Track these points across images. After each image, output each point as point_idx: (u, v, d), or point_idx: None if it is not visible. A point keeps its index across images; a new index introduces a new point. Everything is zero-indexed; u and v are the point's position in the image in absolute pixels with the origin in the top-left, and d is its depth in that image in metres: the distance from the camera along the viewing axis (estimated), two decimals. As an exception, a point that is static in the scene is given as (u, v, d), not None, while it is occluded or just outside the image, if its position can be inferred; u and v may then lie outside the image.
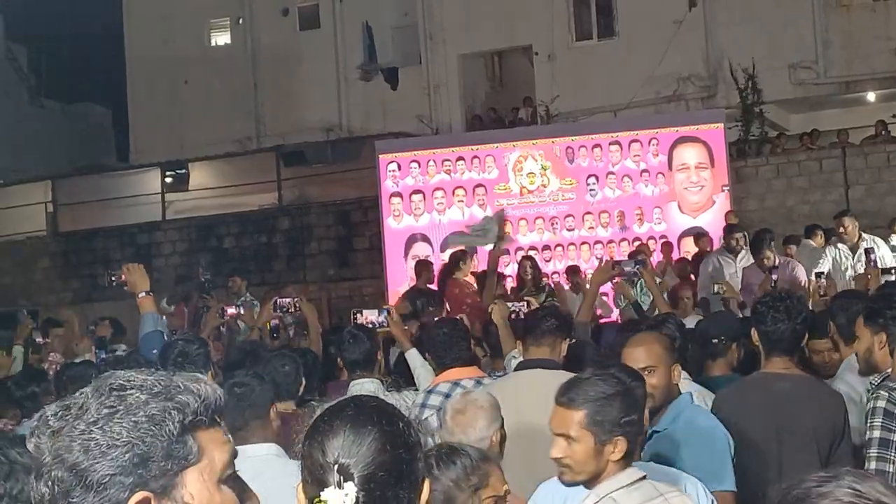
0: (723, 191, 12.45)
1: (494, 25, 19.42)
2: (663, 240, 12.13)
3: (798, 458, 3.70)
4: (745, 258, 9.30)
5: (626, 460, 2.80)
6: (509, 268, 11.18)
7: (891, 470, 3.29)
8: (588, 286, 7.21)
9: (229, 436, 1.50)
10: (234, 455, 1.49)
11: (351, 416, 1.72)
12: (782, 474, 3.64)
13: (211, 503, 1.42)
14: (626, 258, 8.79)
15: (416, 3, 20.29)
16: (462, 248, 11.29)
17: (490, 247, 9.27)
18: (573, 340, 4.51)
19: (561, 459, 2.81)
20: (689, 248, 11.65)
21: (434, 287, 9.79)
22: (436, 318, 6.51)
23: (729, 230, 9.88)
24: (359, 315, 5.99)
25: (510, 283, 10.41)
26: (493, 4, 19.27)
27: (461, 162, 12.84)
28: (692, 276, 9.86)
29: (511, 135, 14.28)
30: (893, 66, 17.34)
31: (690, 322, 5.79)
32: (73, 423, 1.37)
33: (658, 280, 7.62)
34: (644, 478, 2.77)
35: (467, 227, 10.74)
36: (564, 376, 3.95)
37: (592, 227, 12.59)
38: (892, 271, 7.36)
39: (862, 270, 8.16)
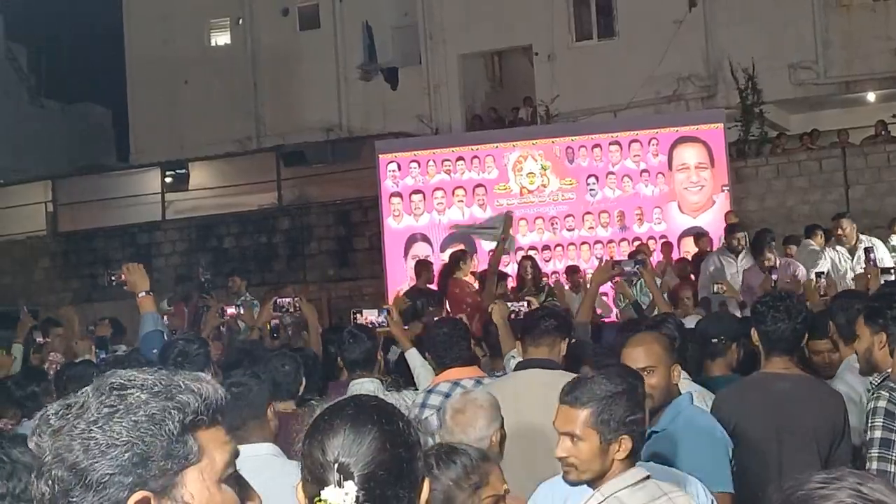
0: (723, 191, 12.45)
1: (494, 25, 19.42)
2: (663, 240, 12.13)
3: (798, 458, 3.70)
4: (745, 259, 9.30)
5: (631, 459, 2.80)
6: (509, 268, 11.17)
7: (892, 470, 3.28)
8: (588, 286, 7.21)
9: (230, 435, 1.50)
10: (236, 455, 1.49)
11: (351, 416, 1.72)
12: (782, 474, 3.64)
13: (211, 503, 1.42)
14: (626, 258, 8.79)
15: (416, 3, 20.29)
16: (462, 247, 11.33)
17: (492, 245, 9.29)
18: (573, 340, 4.51)
19: (566, 458, 2.81)
20: (689, 248, 11.65)
21: (434, 287, 9.80)
22: (436, 318, 6.52)
23: (730, 230, 9.87)
24: (359, 315, 6.00)
25: (510, 283, 10.40)
26: (493, 4, 19.27)
27: (461, 162, 12.84)
28: (692, 276, 9.86)
29: (511, 135, 14.28)
30: (893, 66, 17.35)
31: (691, 322, 5.78)
32: (73, 422, 1.37)
33: (658, 280, 7.62)
34: (648, 477, 2.78)
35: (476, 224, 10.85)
36: (563, 376, 3.96)
37: (592, 227, 12.59)
38: (892, 271, 7.36)
39: (861, 272, 8.16)
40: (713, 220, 12.08)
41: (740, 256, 9.36)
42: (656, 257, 11.04)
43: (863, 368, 3.79)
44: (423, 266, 10.56)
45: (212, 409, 1.45)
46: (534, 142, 13.04)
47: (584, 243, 12.57)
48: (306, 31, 21.73)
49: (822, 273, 7.94)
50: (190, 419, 1.41)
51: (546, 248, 12.55)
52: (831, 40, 17.94)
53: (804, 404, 3.80)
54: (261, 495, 1.55)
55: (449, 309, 9.18)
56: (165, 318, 7.44)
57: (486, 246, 12.13)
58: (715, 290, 7.94)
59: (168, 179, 19.61)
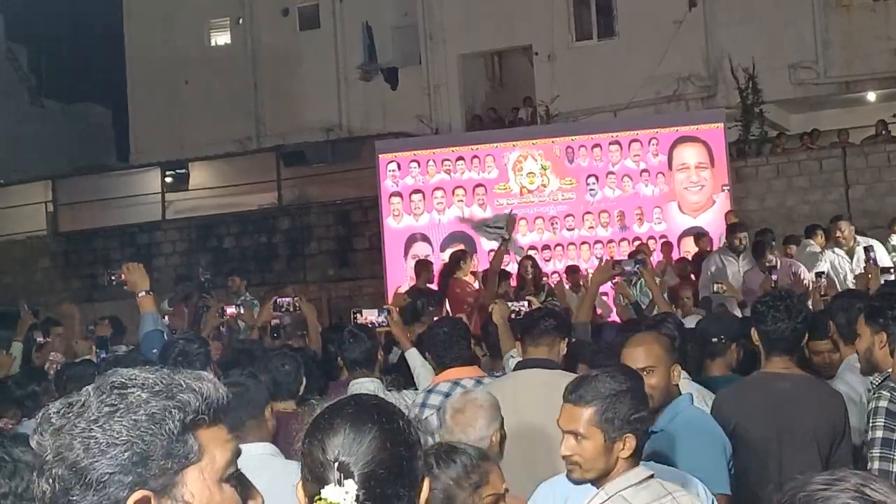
0: (723, 191, 12.44)
1: (494, 25, 19.43)
2: (663, 240, 12.12)
3: (798, 458, 3.70)
4: (746, 259, 9.29)
5: (635, 458, 2.80)
6: (509, 267, 11.17)
7: (894, 470, 3.28)
8: (588, 286, 7.21)
9: (232, 434, 1.50)
10: (238, 454, 1.49)
11: (351, 415, 1.72)
12: (782, 474, 3.64)
13: (211, 502, 1.42)
14: (626, 258, 8.79)
15: (416, 3, 20.29)
16: (462, 247, 11.33)
17: (492, 245, 9.29)
18: (573, 340, 4.51)
19: (570, 457, 2.81)
20: (689, 248, 11.64)
21: (434, 287, 9.80)
22: (435, 318, 6.52)
23: (732, 229, 9.87)
24: (359, 315, 5.99)
25: (512, 283, 10.40)
26: (493, 4, 19.27)
27: (461, 162, 12.84)
28: (692, 276, 9.86)
29: (511, 135, 14.27)
30: (893, 66, 17.35)
31: (691, 322, 5.79)
32: (74, 420, 1.37)
33: (658, 280, 7.62)
34: (652, 476, 2.77)
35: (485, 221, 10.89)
36: (563, 376, 3.97)
37: (592, 227, 12.59)
38: (892, 270, 7.36)
39: (860, 272, 8.16)
40: (713, 220, 12.07)
41: (741, 256, 9.36)
42: (656, 257, 11.03)
43: (863, 368, 3.79)
44: (423, 266, 10.56)
45: (213, 408, 1.45)
46: (534, 142, 13.03)
47: (584, 243, 12.57)
48: (306, 31, 21.73)
49: (822, 273, 7.95)
50: (190, 418, 1.41)
51: (546, 247, 12.55)
52: (831, 40, 17.95)
53: (804, 404, 3.80)
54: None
55: (449, 309, 9.19)
56: (166, 318, 7.45)
57: (486, 246, 12.12)
58: (715, 289, 7.94)
59: (168, 179, 19.61)
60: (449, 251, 11.37)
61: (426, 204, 12.81)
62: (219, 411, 1.46)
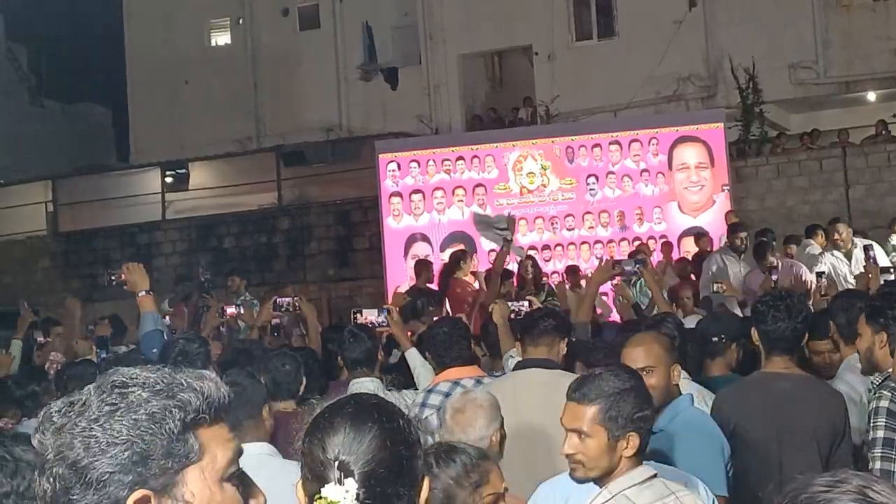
0: (723, 190, 12.44)
1: (494, 25, 19.43)
2: (663, 240, 12.11)
3: (798, 457, 3.70)
4: (746, 260, 9.28)
5: (639, 457, 2.80)
6: (509, 266, 11.17)
7: (895, 469, 3.29)
8: (588, 285, 7.20)
9: (233, 433, 1.50)
10: (239, 453, 1.49)
11: (351, 414, 1.72)
12: (783, 474, 3.64)
13: (212, 502, 1.42)
14: (626, 258, 8.78)
15: (416, 3, 20.29)
16: (462, 247, 11.33)
17: (493, 245, 9.29)
18: (573, 340, 4.51)
19: (573, 455, 2.80)
20: (689, 248, 11.64)
21: (434, 286, 9.80)
22: (435, 318, 6.52)
23: (733, 229, 9.86)
24: (359, 315, 5.99)
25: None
26: (493, 4, 19.27)
27: (461, 162, 12.83)
28: (692, 276, 9.86)
29: (511, 135, 14.27)
30: (893, 66, 17.35)
31: (691, 322, 5.79)
32: (75, 419, 1.37)
33: (657, 279, 7.61)
34: (655, 476, 2.77)
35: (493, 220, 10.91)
36: (562, 376, 3.97)
37: (592, 227, 12.59)
38: (892, 270, 7.36)
39: (858, 273, 8.15)
40: (713, 220, 12.07)
41: (743, 256, 9.35)
42: (656, 257, 11.02)
43: (864, 368, 3.79)
44: (422, 266, 10.56)
45: (214, 407, 1.44)
46: (534, 141, 13.03)
47: (584, 243, 12.56)
48: (306, 31, 21.73)
49: (823, 273, 7.94)
50: (191, 418, 1.40)
51: (546, 247, 12.54)
52: (831, 40, 17.95)
53: (804, 404, 3.79)
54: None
55: (449, 308, 9.19)
56: (167, 318, 7.45)
57: (486, 246, 12.12)
58: (714, 289, 7.93)
59: (168, 179, 19.61)
60: (449, 251, 11.38)
61: (426, 204, 12.81)
62: (220, 410, 1.46)
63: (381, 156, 13.14)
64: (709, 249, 10.75)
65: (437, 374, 4.90)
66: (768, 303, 3.94)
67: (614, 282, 7.84)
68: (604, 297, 9.87)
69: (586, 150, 12.65)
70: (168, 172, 19.64)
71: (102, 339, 7.35)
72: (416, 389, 5.11)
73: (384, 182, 13.01)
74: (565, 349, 4.35)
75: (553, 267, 12.19)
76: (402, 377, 5.37)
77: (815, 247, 10.18)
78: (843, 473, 1.31)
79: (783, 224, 13.52)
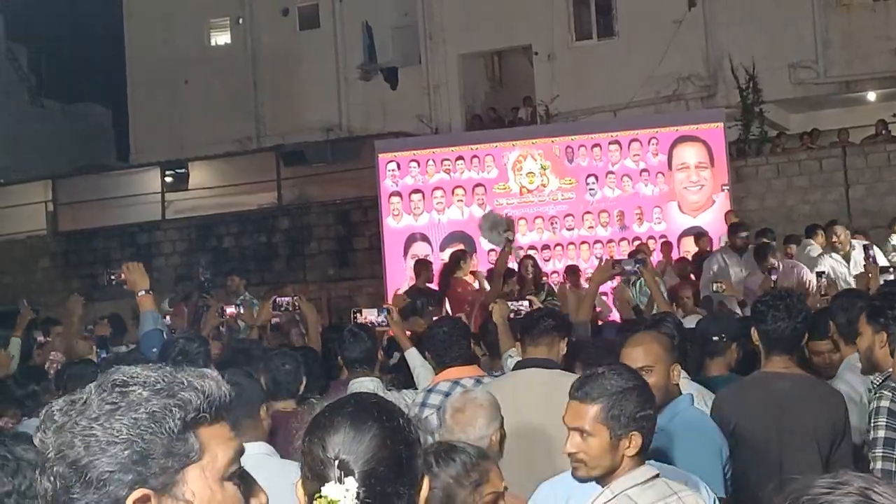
0: (723, 190, 12.44)
1: (494, 25, 19.43)
2: (663, 239, 12.11)
3: (798, 457, 3.70)
4: (747, 261, 9.27)
5: (641, 456, 2.79)
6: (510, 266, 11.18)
7: (896, 469, 3.29)
8: (588, 285, 7.21)
9: (235, 432, 1.49)
10: (241, 452, 1.49)
11: (351, 413, 1.73)
12: (783, 474, 3.64)
13: (212, 501, 1.41)
14: (626, 258, 8.78)
15: (416, 3, 20.29)
16: (462, 247, 11.34)
17: (492, 245, 9.29)
18: (573, 339, 4.51)
19: (575, 454, 2.80)
20: (689, 248, 11.64)
21: (434, 286, 9.80)
22: (435, 318, 6.52)
23: (734, 228, 9.85)
24: (359, 315, 5.99)
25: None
26: (493, 4, 19.27)
27: (461, 161, 12.83)
28: (692, 276, 9.86)
29: (511, 134, 14.27)
30: (893, 65, 17.35)
31: (691, 322, 5.78)
32: (75, 418, 1.37)
33: (657, 279, 7.62)
34: (657, 475, 2.77)
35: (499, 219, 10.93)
36: (562, 375, 3.97)
37: (592, 227, 12.58)
38: (892, 270, 7.36)
39: (857, 273, 8.15)
40: (713, 220, 12.07)
41: (744, 256, 9.35)
42: (656, 257, 11.03)
43: (864, 367, 3.79)
44: (422, 265, 10.56)
45: (215, 406, 1.44)
46: (533, 141, 13.03)
47: (583, 243, 12.56)
48: (306, 31, 21.73)
49: (823, 272, 7.94)
50: (192, 417, 1.40)
51: (546, 247, 12.54)
52: (831, 40, 17.95)
53: (804, 404, 3.79)
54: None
55: (449, 308, 9.20)
56: (167, 317, 7.45)
57: (486, 246, 12.13)
58: (714, 288, 7.94)
59: (168, 179, 19.61)
60: (449, 251, 11.38)
61: (426, 204, 12.81)
62: (221, 409, 1.46)
63: (380, 155, 13.14)
64: (708, 249, 10.74)
65: (436, 374, 4.90)
66: (768, 302, 3.94)
67: (614, 282, 7.84)
68: (604, 297, 9.88)
69: (586, 150, 12.65)
70: (168, 172, 19.64)
71: (102, 338, 7.35)
72: (416, 389, 5.11)
73: (384, 182, 13.01)
74: (565, 349, 4.35)
75: (553, 267, 12.19)
76: (402, 377, 5.37)
77: (815, 247, 10.18)
78: (845, 475, 1.30)
79: (783, 224, 13.53)
